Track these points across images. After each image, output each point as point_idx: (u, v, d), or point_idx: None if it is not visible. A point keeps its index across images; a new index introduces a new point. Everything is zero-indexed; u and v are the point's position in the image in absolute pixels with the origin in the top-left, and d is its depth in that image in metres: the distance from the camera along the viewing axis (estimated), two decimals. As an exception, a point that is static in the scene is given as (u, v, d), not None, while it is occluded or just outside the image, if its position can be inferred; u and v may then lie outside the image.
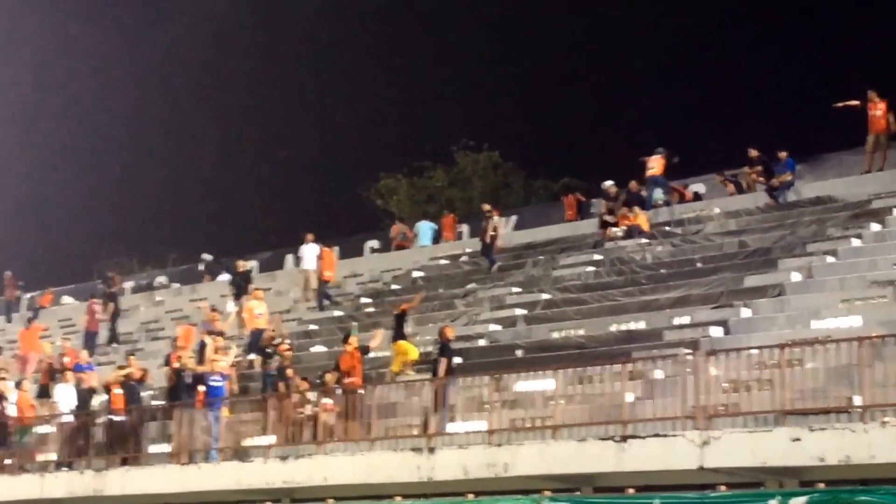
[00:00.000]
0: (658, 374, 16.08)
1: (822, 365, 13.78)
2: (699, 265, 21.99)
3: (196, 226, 54.43)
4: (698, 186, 28.11)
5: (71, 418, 20.50)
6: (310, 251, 27.99)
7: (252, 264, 31.69)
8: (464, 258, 28.08)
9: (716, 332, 18.00)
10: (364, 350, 19.19)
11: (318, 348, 24.20)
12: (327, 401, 17.78)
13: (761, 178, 25.47)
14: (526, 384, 16.59)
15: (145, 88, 58.22)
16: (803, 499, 12.26)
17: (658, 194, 27.96)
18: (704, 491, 13.17)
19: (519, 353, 19.88)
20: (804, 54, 44.99)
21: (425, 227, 32.10)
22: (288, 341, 22.98)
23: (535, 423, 15.77)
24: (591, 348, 18.74)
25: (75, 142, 59.17)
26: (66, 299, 38.09)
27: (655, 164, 26.67)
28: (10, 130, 55.25)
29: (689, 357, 14.65)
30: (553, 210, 31.40)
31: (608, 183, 28.05)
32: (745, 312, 18.59)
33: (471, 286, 25.14)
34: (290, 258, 33.74)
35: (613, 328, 19.87)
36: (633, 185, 27.17)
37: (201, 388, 19.07)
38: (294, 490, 17.31)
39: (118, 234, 54.89)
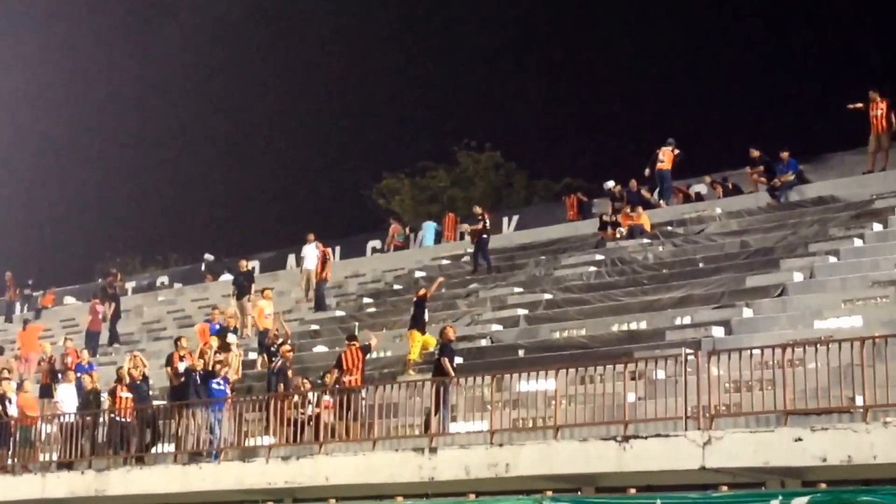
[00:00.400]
0: (660, 374, 16.06)
1: (824, 365, 13.76)
2: (701, 265, 21.98)
3: (198, 226, 54.52)
4: (700, 187, 28.10)
5: (73, 418, 20.48)
6: (311, 251, 28.00)
7: (254, 264, 31.70)
8: (466, 258, 28.06)
9: (717, 332, 17.99)
10: (366, 349, 19.19)
11: (320, 348, 24.20)
12: (327, 398, 17.77)
13: (763, 179, 25.47)
14: (528, 384, 16.59)
15: (148, 88, 58.33)
16: (805, 499, 12.24)
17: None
18: (706, 491, 13.15)
19: (521, 353, 19.87)
20: (806, 54, 44.99)
21: (430, 228, 32.11)
22: (290, 341, 23.00)
23: (537, 423, 15.76)
24: (593, 348, 18.73)
25: (77, 142, 59.24)
26: (69, 299, 38.12)
27: (665, 158, 26.66)
28: (11, 130, 55.30)
29: (691, 357, 14.63)
30: (555, 210, 31.41)
31: (610, 183, 28.06)
32: (747, 312, 18.58)
33: (473, 286, 25.13)
34: (291, 258, 33.76)
35: (615, 328, 19.87)
36: (633, 183, 27.18)
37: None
38: (296, 490, 17.30)
39: (120, 234, 54.98)
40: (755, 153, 25.84)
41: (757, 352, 14.56)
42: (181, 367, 20.25)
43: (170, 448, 19.36)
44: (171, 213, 57.35)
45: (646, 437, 14.00)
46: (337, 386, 18.32)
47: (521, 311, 22.31)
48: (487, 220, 26.62)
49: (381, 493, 16.12)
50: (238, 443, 18.49)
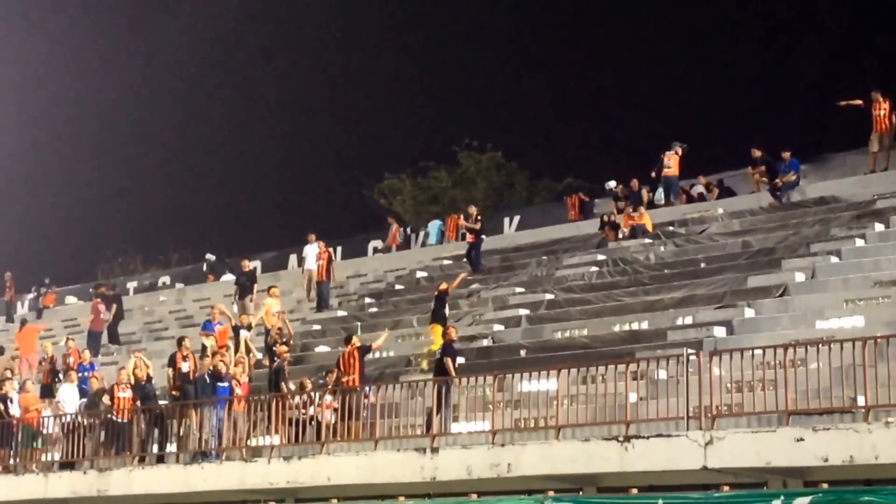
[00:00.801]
0: (661, 374, 16.06)
1: (825, 365, 13.76)
2: (703, 265, 21.98)
3: (200, 226, 54.49)
4: (699, 188, 28.07)
5: (75, 418, 20.49)
6: (313, 251, 28.01)
7: (255, 264, 31.71)
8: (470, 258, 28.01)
9: (719, 332, 17.99)
10: (365, 350, 19.16)
11: (322, 348, 24.21)
12: (329, 399, 17.77)
13: (765, 179, 25.46)
14: (529, 384, 16.58)
15: (150, 88, 58.32)
16: (807, 499, 12.24)
17: (659, 194, 28.00)
18: (708, 491, 13.16)
19: (522, 353, 19.88)
20: (808, 54, 44.96)
21: (434, 227, 32.12)
22: (292, 341, 23.01)
23: (539, 423, 15.76)
24: (595, 348, 18.74)
25: (79, 142, 59.25)
26: (70, 299, 38.12)
27: (672, 163, 26.62)
28: (13, 130, 55.34)
29: (693, 357, 14.63)
30: (556, 210, 31.41)
31: (611, 183, 28.06)
32: (749, 312, 18.58)
33: (474, 286, 25.13)
34: (293, 258, 33.77)
35: (617, 328, 19.87)
36: (634, 183, 27.17)
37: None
38: (297, 490, 17.31)
39: (122, 234, 54.97)
40: (757, 153, 25.83)
41: (759, 352, 14.57)
42: (184, 367, 20.25)
43: (172, 448, 19.36)
44: (172, 213, 57.34)
45: (647, 438, 14.00)
46: (337, 387, 18.31)
47: (523, 312, 22.31)
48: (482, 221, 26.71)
49: (382, 493, 16.13)
50: (238, 442, 18.47)
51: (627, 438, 14.10)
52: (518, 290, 23.97)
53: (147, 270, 46.90)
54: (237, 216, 56.81)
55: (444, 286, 21.58)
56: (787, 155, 24.86)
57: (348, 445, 17.20)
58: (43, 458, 20.80)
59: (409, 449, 16.15)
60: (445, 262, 28.56)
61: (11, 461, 20.98)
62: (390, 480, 15.99)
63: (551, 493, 14.14)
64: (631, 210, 25.97)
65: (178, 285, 37.16)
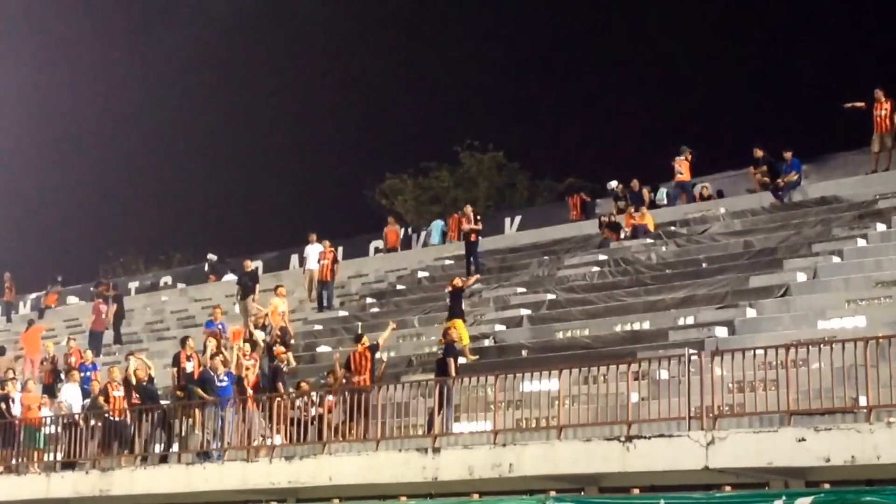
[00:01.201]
0: (663, 374, 16.07)
1: (827, 365, 13.76)
2: (704, 265, 21.97)
3: (201, 226, 54.54)
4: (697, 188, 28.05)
5: (77, 418, 20.50)
6: (314, 251, 28.02)
7: (257, 264, 31.72)
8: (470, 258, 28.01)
9: (721, 332, 17.99)
10: (374, 348, 19.09)
11: (324, 348, 24.21)
12: (331, 398, 17.77)
13: (766, 178, 25.45)
14: (531, 384, 16.59)
15: (152, 88, 58.36)
16: (809, 499, 12.24)
17: (661, 194, 28.01)
18: (710, 491, 13.16)
19: (524, 353, 19.88)
20: (810, 54, 44.95)
21: (437, 227, 32.12)
22: (292, 341, 23.00)
23: (541, 423, 15.76)
24: (596, 348, 18.73)
25: (82, 142, 59.30)
26: (72, 299, 38.13)
27: (683, 169, 26.61)
28: (16, 130, 55.38)
29: (695, 357, 14.63)
30: (558, 210, 31.40)
31: (613, 183, 28.05)
32: (751, 313, 18.58)
33: (476, 286, 25.12)
34: (295, 258, 33.77)
35: (618, 328, 19.87)
36: (635, 183, 27.16)
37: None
38: (299, 490, 17.31)
39: (124, 234, 55.02)
40: (759, 153, 25.82)
41: (760, 352, 14.57)
42: (188, 367, 20.26)
43: (174, 448, 19.37)
44: (174, 213, 57.43)
45: (649, 438, 14.00)
46: (346, 386, 18.26)
47: (525, 312, 22.31)
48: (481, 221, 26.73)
49: (384, 493, 16.13)
50: (241, 442, 18.48)
51: (629, 438, 14.10)
52: (520, 290, 23.97)
53: (149, 270, 46.98)
54: (239, 216, 56.90)
55: (457, 282, 21.52)
56: (788, 155, 24.85)
57: (350, 445, 17.21)
58: (45, 458, 20.80)
59: (410, 449, 16.16)
60: (447, 262, 28.55)
61: (14, 461, 20.99)
62: (392, 480, 16.00)
63: (553, 493, 14.15)
64: (632, 210, 25.97)
65: (180, 285, 37.17)
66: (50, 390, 23.75)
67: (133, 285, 39.52)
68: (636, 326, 19.71)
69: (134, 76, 58.02)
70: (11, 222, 54.08)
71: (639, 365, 15.99)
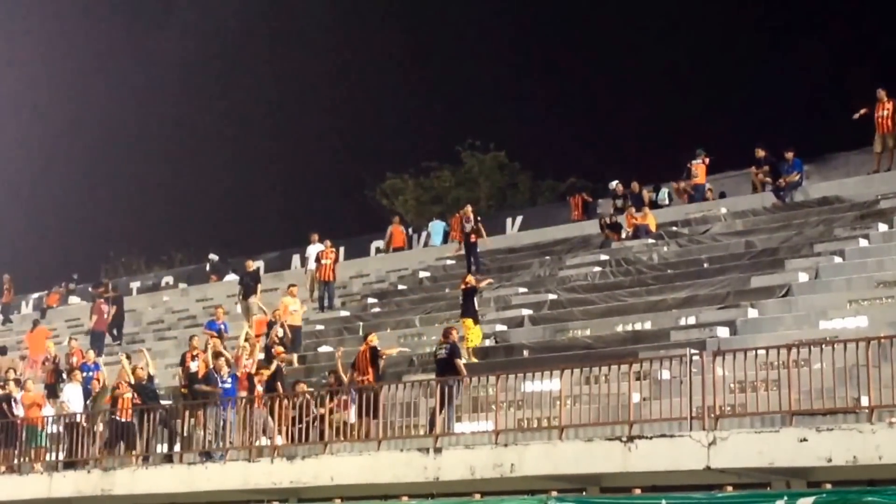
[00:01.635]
0: (664, 374, 16.07)
1: (829, 365, 13.76)
2: (706, 265, 21.98)
3: (202, 226, 54.55)
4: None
5: (79, 418, 20.51)
6: (316, 251, 28.03)
7: (259, 264, 31.74)
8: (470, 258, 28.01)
9: (722, 332, 17.99)
10: (374, 351, 19.01)
11: (325, 348, 24.22)
12: (343, 397, 17.75)
13: (768, 179, 25.46)
14: (532, 384, 16.59)
15: (153, 89, 58.35)
16: (810, 499, 12.23)
17: (662, 194, 28.01)
18: (711, 491, 13.15)
19: (525, 353, 19.88)
20: (812, 54, 44.93)
21: (438, 227, 32.13)
22: (292, 343, 23.01)
23: (542, 423, 15.76)
24: (598, 348, 18.74)
25: (83, 142, 59.31)
26: (74, 299, 38.16)
27: (699, 172, 26.60)
28: (17, 131, 55.40)
29: (696, 357, 14.63)
30: (559, 210, 31.42)
31: (614, 183, 28.06)
32: (752, 313, 18.58)
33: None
34: (296, 258, 33.79)
35: (620, 328, 19.88)
36: (635, 185, 27.15)
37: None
38: (300, 490, 17.32)
39: (125, 234, 55.04)
40: (761, 153, 25.83)
41: (762, 352, 14.57)
42: (192, 366, 20.27)
43: (176, 447, 19.38)
44: (175, 214, 57.42)
45: (651, 438, 14.00)
46: (354, 385, 18.22)
47: (526, 312, 22.31)
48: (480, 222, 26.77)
49: (386, 493, 16.13)
50: (243, 442, 18.50)
51: (630, 439, 14.11)
52: (521, 290, 23.98)
53: (150, 270, 46.98)
54: (240, 216, 56.90)
55: (470, 280, 21.51)
56: (790, 155, 24.86)
57: (351, 445, 17.21)
58: (47, 458, 20.82)
59: (412, 449, 16.16)
60: (449, 262, 28.56)
61: (16, 461, 21.01)
62: (393, 480, 16.00)
63: (554, 494, 14.14)
64: (633, 210, 25.97)
65: (182, 285, 37.19)
66: (52, 390, 23.76)
67: (135, 285, 39.56)
68: (637, 326, 19.72)
69: (135, 76, 58.04)
70: (12, 222, 54.15)
71: (640, 365, 15.99)
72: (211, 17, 55.03)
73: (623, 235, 25.55)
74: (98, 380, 21.57)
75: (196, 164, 56.77)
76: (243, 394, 19.48)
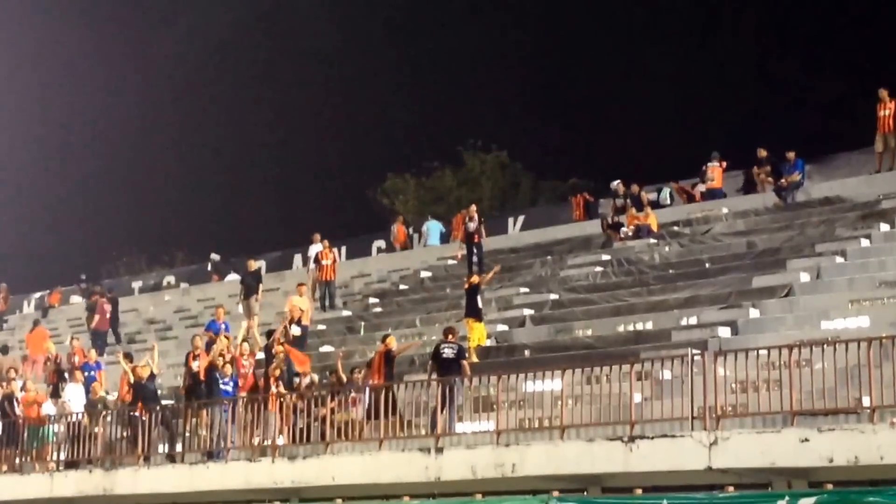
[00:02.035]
0: (666, 374, 16.06)
1: (830, 365, 13.75)
2: (707, 265, 21.97)
3: (204, 226, 54.58)
4: (700, 187, 28.02)
5: (80, 417, 20.52)
6: (316, 251, 28.04)
7: (261, 264, 31.75)
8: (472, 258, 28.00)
9: (724, 332, 17.99)
10: (388, 355, 18.90)
11: (327, 348, 24.23)
12: (354, 395, 17.73)
13: (770, 179, 25.45)
14: (534, 384, 16.59)
15: (154, 89, 58.41)
16: (812, 499, 12.24)
17: (664, 194, 27.99)
18: (713, 491, 13.15)
19: (527, 353, 19.87)
20: (813, 54, 44.93)
21: (434, 227, 32.12)
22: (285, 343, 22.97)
23: (543, 423, 15.76)
24: (599, 348, 18.73)
25: (84, 142, 59.36)
26: (75, 299, 38.18)
27: (715, 175, 26.55)
28: (18, 131, 55.44)
29: (698, 357, 14.63)
30: (561, 210, 31.41)
31: (615, 183, 28.06)
32: (754, 313, 18.57)
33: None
34: (298, 258, 33.80)
35: (621, 328, 19.87)
36: (635, 188, 27.15)
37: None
38: (302, 490, 17.32)
39: (126, 234, 55.06)
40: (763, 153, 25.83)
41: (763, 352, 14.56)
42: (194, 366, 20.27)
43: (177, 447, 19.38)
44: (177, 213, 57.43)
45: (652, 438, 14.00)
46: (367, 384, 18.19)
47: (528, 312, 22.31)
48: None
49: (387, 493, 16.14)
50: (246, 442, 18.50)
51: (632, 439, 14.11)
52: (522, 290, 23.98)
53: (152, 270, 46.97)
54: (241, 216, 56.89)
55: (475, 279, 21.53)
56: (791, 155, 24.85)
57: (352, 445, 17.21)
58: (49, 458, 20.82)
59: (413, 449, 16.16)
60: (451, 262, 28.56)
61: (17, 460, 21.02)
62: (395, 480, 16.01)
63: (556, 494, 14.15)
64: (634, 210, 25.96)
65: (183, 285, 37.19)
66: (55, 390, 23.76)
67: (136, 285, 39.56)
68: (639, 326, 19.71)
69: (137, 75, 58.09)
70: (13, 222, 54.18)
71: (642, 365, 15.97)
72: (211, 19, 55.07)
73: (622, 235, 25.53)
74: (100, 382, 21.57)
75: (197, 163, 56.82)
76: (243, 394, 19.48)
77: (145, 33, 58.59)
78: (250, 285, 26.36)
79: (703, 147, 27.35)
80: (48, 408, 21.73)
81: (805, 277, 19.50)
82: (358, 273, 30.76)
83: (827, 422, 13.20)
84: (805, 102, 44.07)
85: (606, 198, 29.24)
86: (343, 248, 32.84)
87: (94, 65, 58.33)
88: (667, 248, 23.90)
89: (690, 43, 46.87)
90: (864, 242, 20.44)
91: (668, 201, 27.78)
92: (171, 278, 39.62)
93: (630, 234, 25.39)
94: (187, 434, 19.23)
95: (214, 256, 37.64)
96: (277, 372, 19.58)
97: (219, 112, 57.34)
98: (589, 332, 20.03)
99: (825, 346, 14.09)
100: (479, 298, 21.09)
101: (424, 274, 28.17)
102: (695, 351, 15.33)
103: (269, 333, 21.88)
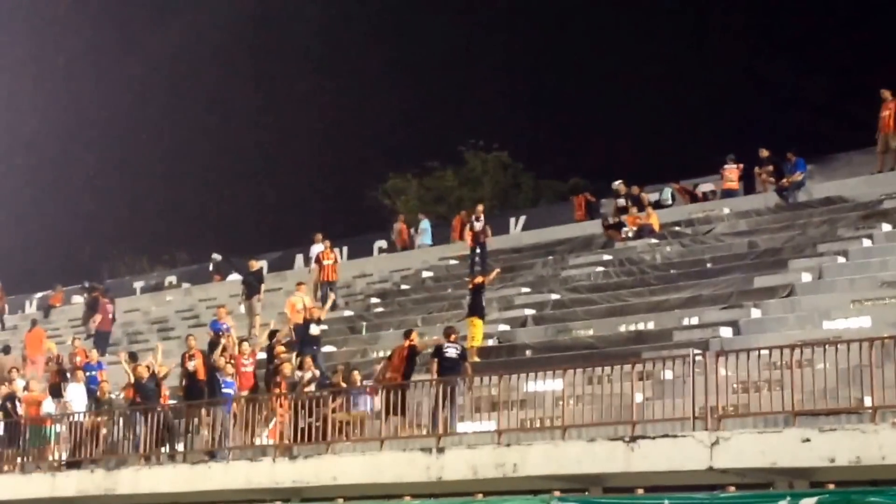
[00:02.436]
0: (667, 374, 16.06)
1: (832, 366, 13.76)
2: (709, 265, 21.97)
3: (206, 225, 54.58)
4: (707, 186, 28.07)
5: (82, 417, 20.54)
6: (317, 251, 28.04)
7: (262, 263, 31.73)
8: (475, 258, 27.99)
9: (725, 332, 17.99)
10: (412, 350, 18.84)
11: (329, 348, 24.22)
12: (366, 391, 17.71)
13: (772, 179, 25.45)
14: (535, 384, 16.59)
15: (154, 89, 58.41)
16: (813, 500, 12.23)
17: (665, 194, 28.00)
18: (714, 492, 13.14)
19: (528, 353, 19.87)
20: (814, 54, 44.90)
21: (426, 225, 32.14)
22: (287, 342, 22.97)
23: (545, 423, 15.76)
24: (601, 348, 18.74)
25: (85, 142, 59.36)
26: (76, 299, 38.20)
27: (734, 177, 26.53)
28: (19, 131, 55.45)
29: (699, 357, 14.62)
30: (562, 210, 31.39)
31: (617, 182, 28.07)
32: (755, 313, 18.57)
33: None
34: (299, 258, 33.80)
35: (623, 328, 19.87)
36: (635, 189, 27.16)
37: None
38: (303, 489, 17.32)
39: (128, 234, 55.09)
40: (764, 153, 25.84)
41: (765, 352, 14.55)
42: (190, 366, 20.27)
43: (179, 447, 19.39)
44: (178, 213, 57.41)
45: (653, 438, 14.00)
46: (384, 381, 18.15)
47: (529, 312, 22.32)
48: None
49: (388, 493, 16.13)
50: (245, 441, 18.50)
51: (633, 439, 14.10)
52: (524, 290, 23.98)
53: (153, 270, 47.01)
54: (243, 216, 56.89)
55: (479, 279, 21.55)
56: (792, 155, 24.85)
57: (353, 445, 17.22)
58: (51, 457, 20.83)
59: (414, 449, 16.16)
60: (451, 261, 28.56)
61: (19, 460, 21.03)
62: (396, 480, 16.00)
63: (557, 494, 14.14)
64: (635, 210, 25.95)
65: (185, 285, 37.21)
66: (57, 390, 23.76)
67: (138, 285, 39.58)
68: (640, 327, 19.71)
69: (136, 74, 58.08)
70: (14, 222, 54.19)
71: (643, 365, 15.96)
72: (211, 19, 55.05)
73: (623, 235, 25.52)
74: (106, 382, 21.57)
75: (198, 163, 56.80)
76: (244, 393, 19.49)
77: (144, 34, 58.62)
78: (252, 285, 26.36)
79: (704, 147, 27.38)
80: (47, 406, 21.73)
81: (807, 277, 19.50)
82: (359, 273, 30.77)
83: (828, 422, 13.19)
84: (807, 102, 44.09)
85: (608, 198, 29.26)
86: (345, 248, 32.84)
87: (93, 63, 58.38)
88: (668, 248, 23.90)
89: (692, 43, 46.87)
90: (866, 242, 20.44)
91: (670, 201, 27.79)
92: (172, 278, 39.63)
93: (631, 234, 25.39)
94: (188, 433, 19.23)
95: (216, 256, 37.64)
96: (287, 370, 19.52)
97: (220, 112, 57.39)
98: (590, 332, 20.03)
99: (827, 346, 14.09)
100: (482, 298, 21.11)
101: (426, 274, 28.17)
102: (696, 351, 15.33)
103: (272, 334, 21.86)
